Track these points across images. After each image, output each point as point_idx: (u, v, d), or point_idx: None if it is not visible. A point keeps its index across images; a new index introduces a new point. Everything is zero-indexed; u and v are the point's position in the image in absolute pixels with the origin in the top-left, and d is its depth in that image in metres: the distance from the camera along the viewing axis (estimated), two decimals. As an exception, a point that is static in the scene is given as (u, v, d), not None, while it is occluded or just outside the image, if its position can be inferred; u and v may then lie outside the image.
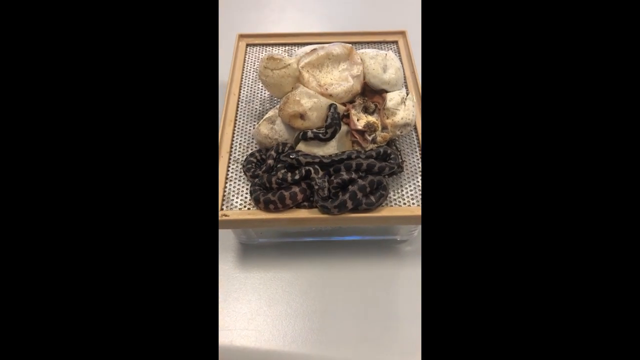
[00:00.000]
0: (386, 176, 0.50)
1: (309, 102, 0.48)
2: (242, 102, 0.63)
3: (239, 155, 0.56)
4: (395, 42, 0.72)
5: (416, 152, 0.56)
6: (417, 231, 0.58)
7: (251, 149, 0.57)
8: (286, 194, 0.48)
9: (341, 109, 0.50)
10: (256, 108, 0.62)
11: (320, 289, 0.55)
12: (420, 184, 0.53)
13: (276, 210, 0.49)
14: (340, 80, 0.51)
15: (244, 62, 0.69)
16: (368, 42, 0.72)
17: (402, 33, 0.72)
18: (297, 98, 0.48)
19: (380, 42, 0.72)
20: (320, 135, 0.48)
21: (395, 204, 0.51)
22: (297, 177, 0.48)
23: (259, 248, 0.59)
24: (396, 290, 0.55)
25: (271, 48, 0.72)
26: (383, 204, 0.50)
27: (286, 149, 0.52)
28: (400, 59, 0.69)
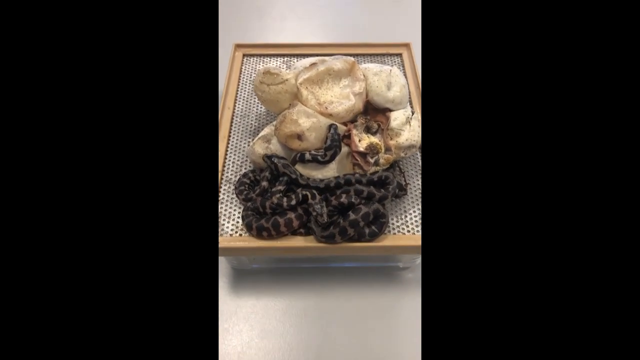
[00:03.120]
0: (384, 203, 0.47)
1: (307, 122, 0.45)
2: (236, 117, 0.60)
3: (231, 174, 0.52)
4: (399, 55, 0.68)
5: (421, 174, 0.53)
6: (421, 258, 0.54)
7: (245, 168, 0.53)
8: (281, 220, 0.44)
9: (342, 129, 0.47)
10: (252, 123, 0.59)
11: (317, 319, 0.51)
12: (425, 209, 0.49)
13: (270, 237, 0.45)
14: (341, 97, 0.48)
15: (240, 73, 0.66)
16: (370, 55, 0.68)
17: (407, 45, 0.69)
18: (295, 117, 0.45)
19: (383, 55, 0.68)
20: (319, 157, 0.45)
21: (399, 231, 0.47)
22: (293, 202, 0.45)
23: (252, 274, 0.55)
24: (398, 321, 0.51)
25: (269, 59, 0.68)
26: (385, 232, 0.46)
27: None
28: (405, 74, 0.65)
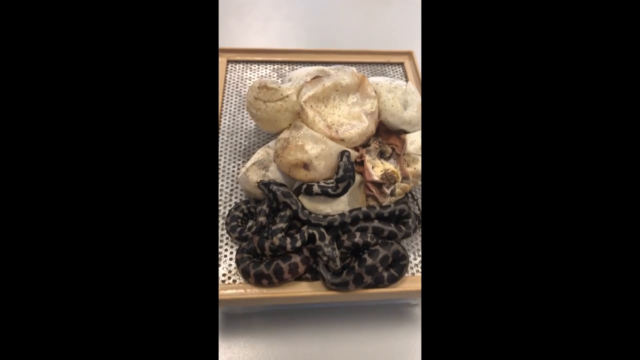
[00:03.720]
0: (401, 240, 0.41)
1: (316, 149, 0.38)
2: (222, 134, 0.52)
3: (220, 205, 0.45)
4: (401, 64, 0.63)
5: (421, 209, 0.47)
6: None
7: (236, 197, 0.45)
8: (284, 265, 0.37)
9: (353, 155, 0.40)
10: (241, 142, 0.51)
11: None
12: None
13: (270, 285, 0.38)
14: (351, 118, 0.41)
15: (225, 82, 0.58)
16: (370, 63, 0.62)
17: (409, 54, 0.63)
18: (300, 142, 0.38)
19: (384, 64, 0.62)
20: (330, 190, 0.38)
21: (418, 270, 0.42)
22: (298, 243, 0.38)
23: (244, 317, 0.48)
24: (413, 362, 0.46)
25: (257, 66, 0.61)
26: (406, 273, 0.40)
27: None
28: (409, 85, 0.60)
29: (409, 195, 0.47)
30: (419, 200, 0.47)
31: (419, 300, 0.49)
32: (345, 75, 0.42)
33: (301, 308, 0.48)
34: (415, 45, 0.65)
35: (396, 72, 0.62)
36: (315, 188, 0.38)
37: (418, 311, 0.50)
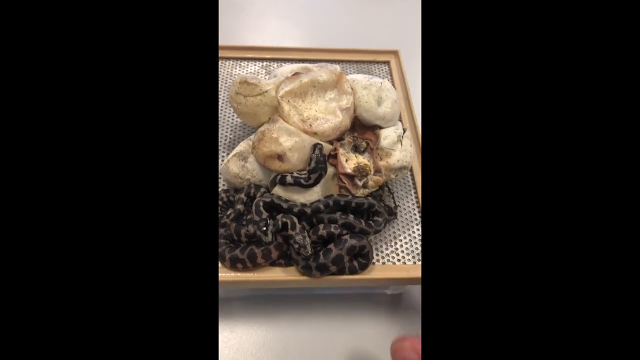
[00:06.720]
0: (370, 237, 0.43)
1: (289, 141, 0.40)
2: (210, 128, 0.54)
3: (203, 194, 0.47)
4: (387, 63, 0.64)
5: (412, 195, 0.49)
6: (410, 286, 0.51)
7: (218, 187, 0.47)
8: (257, 251, 0.39)
9: (327, 148, 0.42)
10: (226, 135, 0.53)
11: (299, 352, 0.47)
12: (417, 234, 0.45)
13: (245, 269, 0.40)
14: (326, 113, 0.43)
15: (215, 78, 0.60)
16: (357, 62, 0.64)
17: (395, 53, 0.65)
18: (275, 135, 0.40)
19: (370, 62, 0.64)
20: (302, 181, 0.40)
21: (389, 260, 0.43)
22: (271, 231, 0.40)
23: (224, 302, 0.50)
24: (387, 351, 0.48)
25: (247, 63, 0.63)
26: (372, 261, 0.42)
27: (259, 193, 0.43)
28: (393, 83, 0.61)
29: (386, 188, 0.48)
30: (395, 195, 0.49)
31: (396, 290, 0.51)
32: (322, 73, 0.44)
33: (279, 295, 0.51)
34: (402, 44, 0.67)
35: (382, 70, 0.64)
36: (289, 178, 0.40)
37: (394, 301, 0.52)
